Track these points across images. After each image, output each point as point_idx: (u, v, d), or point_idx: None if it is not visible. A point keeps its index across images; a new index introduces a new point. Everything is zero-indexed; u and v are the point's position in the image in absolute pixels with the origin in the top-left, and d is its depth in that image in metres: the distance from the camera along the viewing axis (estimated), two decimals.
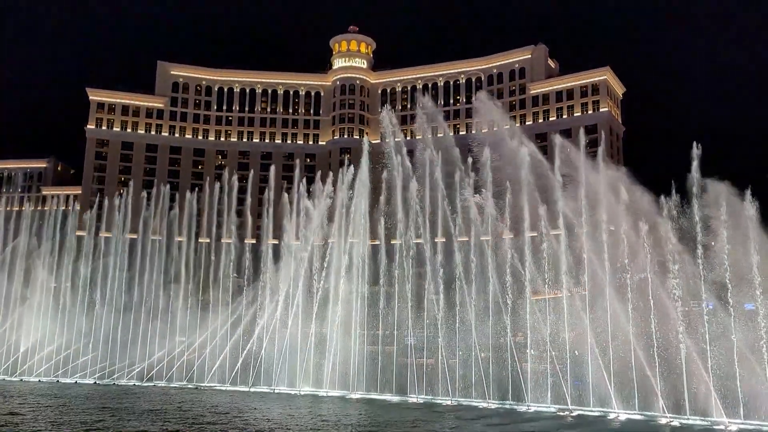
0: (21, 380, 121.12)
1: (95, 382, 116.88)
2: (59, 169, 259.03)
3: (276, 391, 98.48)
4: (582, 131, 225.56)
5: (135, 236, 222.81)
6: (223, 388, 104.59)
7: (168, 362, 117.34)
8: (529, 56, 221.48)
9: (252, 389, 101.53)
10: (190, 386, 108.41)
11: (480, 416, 68.33)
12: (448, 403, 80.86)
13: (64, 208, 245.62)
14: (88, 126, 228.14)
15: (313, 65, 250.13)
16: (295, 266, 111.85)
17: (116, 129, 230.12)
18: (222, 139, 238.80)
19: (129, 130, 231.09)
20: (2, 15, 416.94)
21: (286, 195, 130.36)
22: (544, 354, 77.14)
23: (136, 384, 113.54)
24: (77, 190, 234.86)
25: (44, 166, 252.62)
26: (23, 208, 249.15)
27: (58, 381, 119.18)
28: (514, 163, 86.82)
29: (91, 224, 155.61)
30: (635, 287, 70.70)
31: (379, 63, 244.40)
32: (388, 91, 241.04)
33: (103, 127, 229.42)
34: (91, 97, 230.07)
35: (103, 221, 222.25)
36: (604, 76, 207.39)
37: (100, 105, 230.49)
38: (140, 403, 73.91)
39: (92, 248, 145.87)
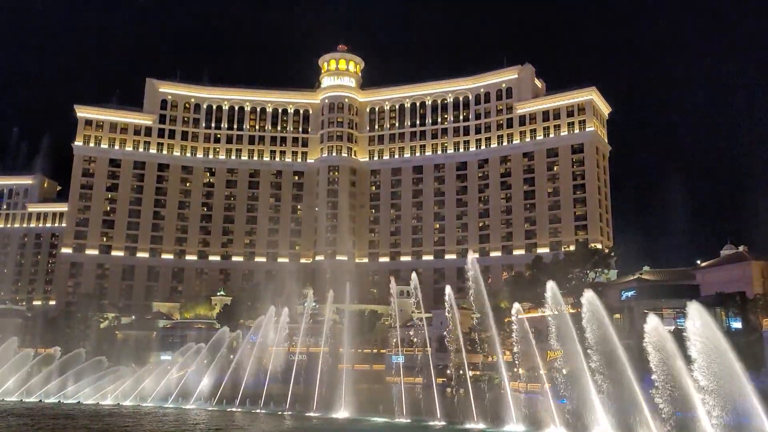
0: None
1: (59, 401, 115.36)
2: (45, 185, 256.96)
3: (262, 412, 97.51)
4: (568, 150, 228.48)
5: (121, 253, 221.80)
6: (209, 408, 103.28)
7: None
8: (516, 76, 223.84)
9: (238, 409, 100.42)
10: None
11: None
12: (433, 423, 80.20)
13: (50, 225, 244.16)
14: (76, 143, 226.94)
15: (301, 83, 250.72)
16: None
17: (104, 146, 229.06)
18: (210, 156, 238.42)
19: (117, 147, 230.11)
20: None
21: None
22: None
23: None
24: (64, 207, 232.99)
25: (30, 182, 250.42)
26: (8, 225, 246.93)
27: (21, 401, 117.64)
28: None
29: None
30: None
31: (367, 82, 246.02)
32: (377, 109, 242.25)
33: (91, 144, 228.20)
34: (78, 114, 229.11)
35: (89, 238, 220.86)
36: (590, 96, 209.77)
37: (88, 122, 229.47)
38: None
39: None
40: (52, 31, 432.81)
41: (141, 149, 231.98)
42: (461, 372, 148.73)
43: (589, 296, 66.47)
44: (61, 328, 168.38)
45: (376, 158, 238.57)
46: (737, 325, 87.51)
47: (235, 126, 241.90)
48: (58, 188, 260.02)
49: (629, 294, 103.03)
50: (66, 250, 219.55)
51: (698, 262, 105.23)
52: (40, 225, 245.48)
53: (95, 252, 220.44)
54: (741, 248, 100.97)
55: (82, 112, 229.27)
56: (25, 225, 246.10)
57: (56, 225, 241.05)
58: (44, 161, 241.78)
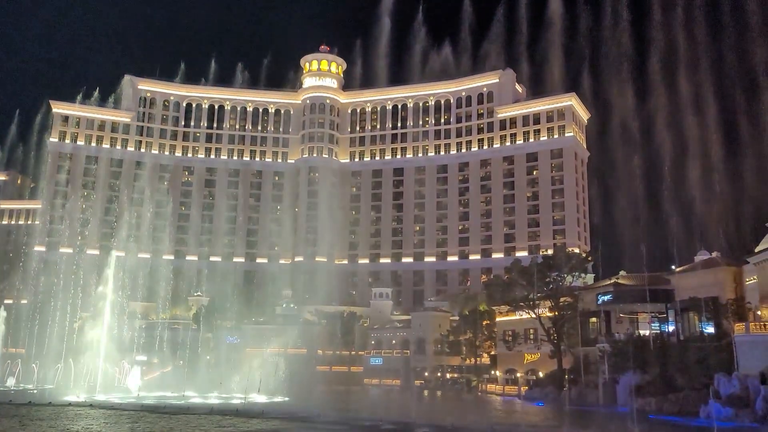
0: None
1: None
2: (19, 182, 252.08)
3: None
4: (548, 155, 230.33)
5: (96, 252, 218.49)
6: None
7: None
8: (497, 80, 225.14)
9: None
10: None
11: None
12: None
13: (23, 222, 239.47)
14: (51, 139, 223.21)
15: (283, 84, 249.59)
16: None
17: (80, 142, 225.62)
18: (189, 155, 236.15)
19: (93, 144, 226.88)
20: None
21: None
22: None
23: None
24: (37, 204, 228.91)
25: (3, 179, 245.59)
26: None
27: None
28: None
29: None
30: None
31: (349, 83, 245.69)
32: (358, 111, 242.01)
33: (67, 141, 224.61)
34: (54, 110, 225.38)
35: (64, 236, 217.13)
36: (569, 101, 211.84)
37: (64, 118, 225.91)
38: None
39: None
40: (27, 26, 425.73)
41: (119, 146, 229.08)
42: (439, 374, 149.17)
43: None
44: (33, 328, 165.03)
45: (357, 160, 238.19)
46: (710, 329, 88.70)
47: (215, 125, 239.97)
48: (32, 185, 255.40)
49: (606, 298, 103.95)
50: (39, 248, 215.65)
51: (673, 267, 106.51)
52: (13, 222, 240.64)
53: (69, 250, 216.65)
54: (714, 254, 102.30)
55: (58, 108, 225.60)
56: None
57: (30, 222, 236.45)
58: (18, 157, 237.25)
